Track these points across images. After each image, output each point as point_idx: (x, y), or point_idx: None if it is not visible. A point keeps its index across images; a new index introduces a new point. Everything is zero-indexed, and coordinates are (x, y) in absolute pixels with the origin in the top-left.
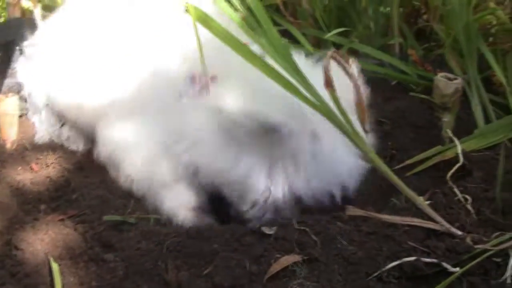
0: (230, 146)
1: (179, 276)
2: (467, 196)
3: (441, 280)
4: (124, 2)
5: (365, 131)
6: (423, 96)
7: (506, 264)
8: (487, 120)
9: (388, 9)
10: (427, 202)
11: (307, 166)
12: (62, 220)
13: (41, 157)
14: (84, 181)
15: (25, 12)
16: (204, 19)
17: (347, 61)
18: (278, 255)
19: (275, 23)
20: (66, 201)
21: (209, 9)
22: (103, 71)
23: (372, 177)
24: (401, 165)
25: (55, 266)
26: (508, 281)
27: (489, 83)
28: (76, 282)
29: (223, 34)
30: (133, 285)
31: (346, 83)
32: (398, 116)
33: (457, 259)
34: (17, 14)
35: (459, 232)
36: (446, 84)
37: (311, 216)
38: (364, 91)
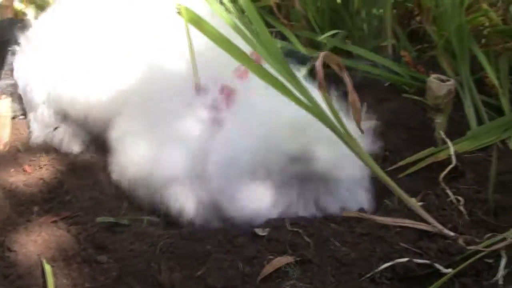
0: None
1: (172, 277)
2: (459, 198)
3: (434, 281)
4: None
5: (360, 131)
6: (416, 97)
7: (498, 265)
8: (480, 121)
9: (381, 11)
10: (420, 204)
11: None
12: (55, 221)
13: (34, 159)
14: (77, 183)
15: (18, 13)
16: (197, 21)
17: (339, 63)
18: (271, 257)
19: (269, 25)
20: (59, 203)
21: (202, 11)
22: (106, 65)
23: None
24: (394, 167)
25: (48, 268)
26: (500, 282)
27: (481, 85)
28: (69, 284)
29: (216, 36)
30: (126, 287)
31: None
32: (391, 117)
33: (450, 260)
34: (9, 15)
35: (452, 233)
36: (438, 85)
37: (304, 218)
38: None
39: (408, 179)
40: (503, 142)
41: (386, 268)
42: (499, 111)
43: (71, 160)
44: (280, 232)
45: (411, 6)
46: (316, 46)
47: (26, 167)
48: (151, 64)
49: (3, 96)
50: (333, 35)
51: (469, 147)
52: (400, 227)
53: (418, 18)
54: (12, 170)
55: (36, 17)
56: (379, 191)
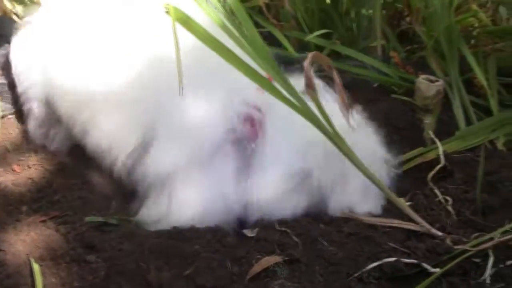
0: None
1: (161, 277)
2: (447, 197)
3: (421, 281)
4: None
5: (350, 127)
6: (405, 98)
7: (486, 264)
8: (468, 122)
9: (370, 11)
10: (408, 203)
11: None
12: (44, 221)
13: (23, 158)
14: (66, 183)
15: (7, 12)
16: (185, 20)
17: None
18: (259, 256)
19: (258, 25)
20: (48, 202)
21: (191, 10)
22: (105, 58)
23: None
24: None
25: (36, 267)
26: (488, 281)
27: (470, 85)
28: (58, 283)
29: (204, 36)
30: (115, 286)
31: None
32: (380, 118)
33: (437, 259)
34: None
35: (439, 233)
36: (427, 86)
37: (292, 217)
38: None
39: (396, 178)
40: (491, 142)
41: (374, 268)
42: (488, 112)
43: (60, 160)
44: (268, 231)
45: (401, 6)
46: (305, 47)
47: (15, 167)
48: (150, 64)
49: None
50: (322, 36)
51: (457, 147)
52: (388, 227)
53: (407, 19)
54: (1, 169)
55: (24, 16)
56: None
